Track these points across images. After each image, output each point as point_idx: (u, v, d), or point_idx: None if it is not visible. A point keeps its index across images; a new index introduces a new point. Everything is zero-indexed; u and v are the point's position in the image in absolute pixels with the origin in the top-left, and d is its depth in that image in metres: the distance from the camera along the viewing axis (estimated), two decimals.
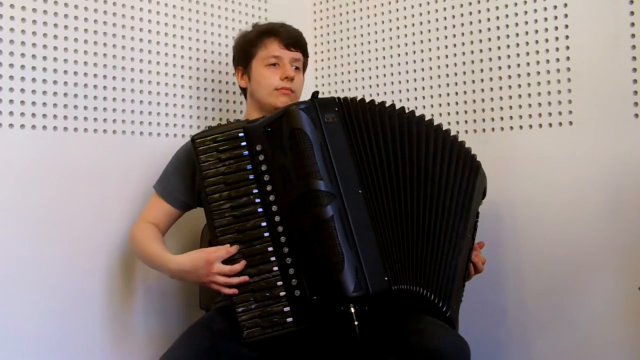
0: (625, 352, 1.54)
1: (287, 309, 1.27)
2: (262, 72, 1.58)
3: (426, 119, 1.43)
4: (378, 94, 1.99)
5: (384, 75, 1.99)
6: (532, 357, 1.68)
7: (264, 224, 1.30)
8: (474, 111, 1.79)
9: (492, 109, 1.76)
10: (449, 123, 1.82)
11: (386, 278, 1.25)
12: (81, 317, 1.54)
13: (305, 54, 1.65)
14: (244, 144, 1.34)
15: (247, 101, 1.66)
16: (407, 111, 1.42)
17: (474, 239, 1.44)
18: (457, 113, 1.82)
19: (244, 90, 1.67)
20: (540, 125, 1.67)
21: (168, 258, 1.38)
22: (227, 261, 1.29)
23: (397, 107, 1.42)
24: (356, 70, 2.07)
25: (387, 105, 1.40)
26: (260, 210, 1.31)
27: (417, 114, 1.44)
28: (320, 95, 1.36)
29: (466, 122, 1.80)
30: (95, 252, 1.58)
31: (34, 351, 1.46)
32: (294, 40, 1.60)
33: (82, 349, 1.54)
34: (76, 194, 1.55)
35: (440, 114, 1.85)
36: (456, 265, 1.35)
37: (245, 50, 1.61)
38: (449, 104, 1.84)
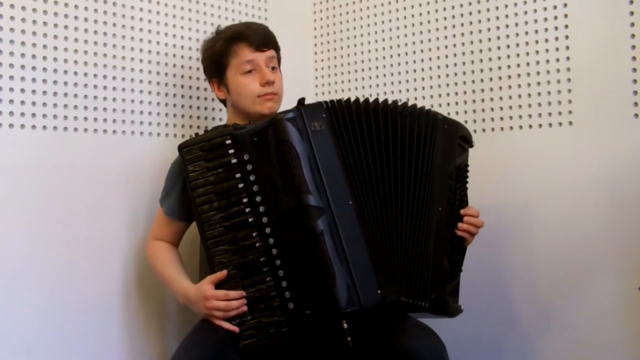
0: (626, 352, 1.54)
1: (281, 319, 1.26)
2: (239, 81, 1.52)
3: (410, 104, 1.38)
4: (378, 94, 1.99)
5: (384, 75, 1.99)
6: (532, 357, 1.68)
7: (255, 234, 1.29)
8: (474, 111, 1.79)
9: (492, 109, 1.76)
10: None
11: (379, 291, 1.25)
12: (80, 318, 1.54)
13: (277, 49, 1.59)
14: (231, 151, 1.32)
15: (228, 110, 1.62)
16: (398, 103, 1.38)
17: (455, 202, 1.37)
18: (457, 113, 1.82)
19: (223, 102, 1.63)
20: (540, 125, 1.67)
21: (180, 285, 1.40)
22: (223, 283, 1.30)
23: (390, 101, 1.38)
24: (356, 70, 2.07)
25: (375, 101, 1.37)
26: (251, 220, 1.30)
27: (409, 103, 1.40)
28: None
29: (466, 122, 1.79)
30: (94, 252, 1.58)
31: (33, 351, 1.45)
32: (263, 39, 1.53)
33: (82, 349, 1.54)
34: (76, 194, 1.55)
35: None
36: (424, 253, 1.30)
37: (216, 61, 1.55)
38: (449, 104, 1.84)
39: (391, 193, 1.32)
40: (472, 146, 1.48)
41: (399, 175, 1.33)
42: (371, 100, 1.38)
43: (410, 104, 1.40)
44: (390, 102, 1.39)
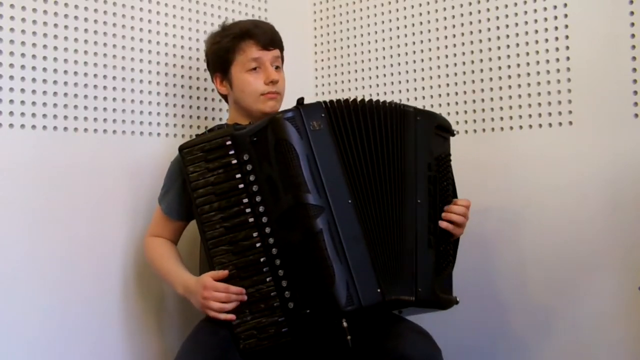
0: (626, 352, 1.54)
1: (282, 319, 1.26)
2: (243, 78, 1.52)
3: (394, 104, 1.39)
4: (378, 94, 1.99)
5: (384, 75, 1.99)
6: (532, 358, 1.68)
7: (255, 234, 1.30)
8: (474, 111, 1.79)
9: (492, 109, 1.76)
10: None
11: (379, 290, 1.25)
12: (80, 318, 1.54)
13: (282, 48, 1.60)
14: (232, 152, 1.32)
15: (230, 106, 1.62)
16: (387, 103, 1.39)
17: (437, 193, 1.37)
18: (457, 113, 1.82)
19: (224, 97, 1.63)
20: (540, 125, 1.67)
21: (179, 277, 1.41)
22: (223, 281, 1.30)
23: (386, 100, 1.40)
24: (356, 70, 2.07)
25: (370, 101, 1.38)
26: (251, 220, 1.30)
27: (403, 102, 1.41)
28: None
29: (466, 122, 1.80)
30: (94, 252, 1.57)
31: (33, 351, 1.45)
32: (270, 38, 1.54)
33: (82, 349, 1.54)
34: (76, 194, 1.54)
35: (440, 114, 1.85)
36: (408, 246, 1.31)
37: (222, 57, 1.54)
38: (449, 104, 1.84)
39: (384, 190, 1.33)
40: (453, 135, 1.47)
41: (386, 172, 1.34)
42: (367, 100, 1.38)
43: (403, 103, 1.41)
44: (383, 101, 1.40)
